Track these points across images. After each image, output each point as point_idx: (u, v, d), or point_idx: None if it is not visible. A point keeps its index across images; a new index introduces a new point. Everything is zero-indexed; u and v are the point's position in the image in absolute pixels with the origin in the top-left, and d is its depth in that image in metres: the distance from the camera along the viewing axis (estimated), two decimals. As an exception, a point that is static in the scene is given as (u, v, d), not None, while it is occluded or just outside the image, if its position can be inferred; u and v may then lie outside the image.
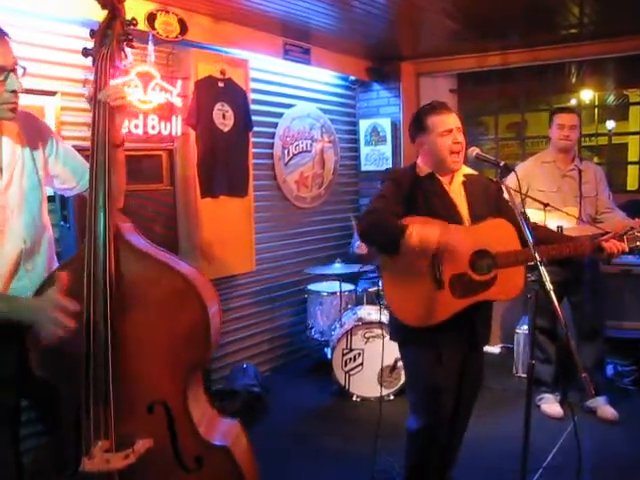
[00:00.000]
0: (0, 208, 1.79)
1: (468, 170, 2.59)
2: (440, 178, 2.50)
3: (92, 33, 1.85)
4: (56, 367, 1.76)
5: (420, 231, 2.18)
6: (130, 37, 1.87)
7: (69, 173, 2.00)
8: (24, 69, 1.77)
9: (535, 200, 2.98)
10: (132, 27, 1.87)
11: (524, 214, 2.20)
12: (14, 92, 1.73)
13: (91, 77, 3.29)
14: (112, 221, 1.72)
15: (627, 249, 2.46)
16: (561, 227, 3.37)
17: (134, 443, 1.72)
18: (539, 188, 3.71)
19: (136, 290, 1.74)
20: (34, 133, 1.92)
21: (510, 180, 2.55)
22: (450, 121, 2.46)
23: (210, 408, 1.99)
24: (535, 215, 3.20)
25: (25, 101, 2.80)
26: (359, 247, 4.60)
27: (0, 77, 1.68)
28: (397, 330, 2.59)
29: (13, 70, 1.73)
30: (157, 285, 1.76)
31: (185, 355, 1.78)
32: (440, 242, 2.18)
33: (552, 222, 3.36)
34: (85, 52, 1.85)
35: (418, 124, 2.53)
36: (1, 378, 1.83)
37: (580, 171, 3.74)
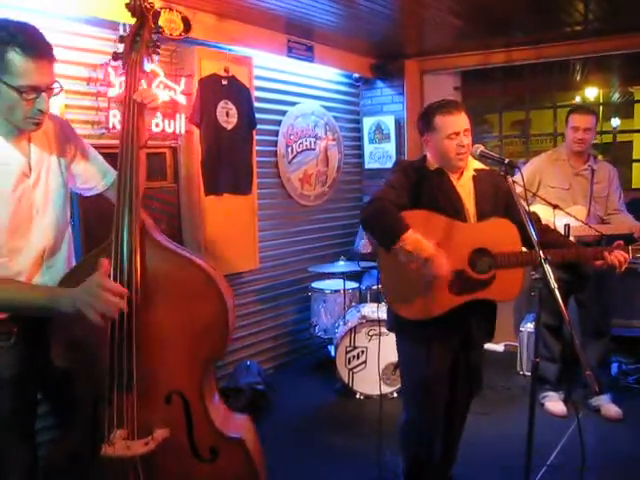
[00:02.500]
0: (27, 206, 1.85)
1: (479, 165, 2.58)
2: (448, 173, 2.50)
3: (121, 38, 1.95)
4: (77, 356, 1.83)
5: (418, 240, 2.23)
6: (158, 43, 1.97)
7: (90, 173, 2.08)
8: (61, 88, 1.84)
9: (544, 200, 2.97)
10: (159, 34, 1.98)
11: (531, 213, 2.19)
12: (40, 111, 1.78)
13: (94, 75, 3.33)
14: (138, 217, 1.79)
15: (629, 258, 2.45)
16: (568, 225, 3.36)
17: (152, 432, 1.78)
18: (550, 185, 3.70)
19: (159, 283, 1.81)
20: (59, 135, 1.99)
21: (517, 178, 2.54)
22: (458, 123, 2.44)
23: (222, 403, 2.04)
24: (543, 211, 3.19)
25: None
26: (364, 245, 4.59)
27: (32, 95, 1.73)
28: (393, 321, 2.61)
29: (47, 90, 1.78)
30: (179, 279, 1.83)
31: (203, 347, 1.84)
32: (430, 258, 2.22)
33: (561, 219, 3.35)
34: (115, 56, 1.96)
35: (426, 121, 2.52)
36: (23, 372, 1.89)
37: (593, 171, 3.71)
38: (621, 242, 2.49)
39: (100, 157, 2.12)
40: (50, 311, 1.72)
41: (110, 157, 2.13)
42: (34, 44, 1.71)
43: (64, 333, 1.81)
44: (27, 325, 1.86)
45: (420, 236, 2.24)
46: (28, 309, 1.76)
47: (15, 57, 1.67)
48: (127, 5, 1.92)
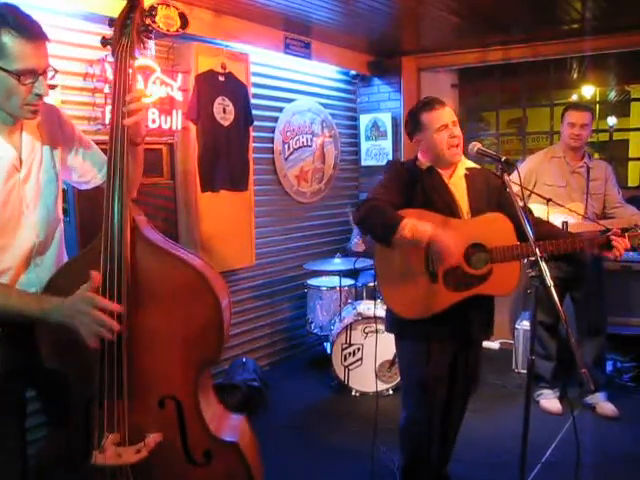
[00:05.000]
0: (17, 201, 1.76)
1: (470, 164, 2.59)
2: (440, 171, 2.50)
3: (111, 22, 1.82)
4: (68, 359, 1.75)
5: (414, 225, 2.23)
6: (150, 28, 1.85)
7: (88, 166, 1.98)
8: (55, 72, 1.74)
9: (538, 195, 2.98)
10: (151, 18, 1.86)
11: (526, 209, 2.19)
12: (39, 96, 1.69)
13: (91, 71, 3.31)
14: (128, 214, 1.71)
15: (629, 246, 2.45)
16: (566, 222, 3.36)
17: (144, 437, 1.71)
18: (547, 182, 3.71)
19: (151, 284, 1.73)
20: (54, 126, 1.89)
21: (514, 176, 2.54)
22: (444, 116, 2.45)
23: (218, 404, 1.99)
24: (539, 210, 3.20)
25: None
26: (357, 244, 4.60)
27: (29, 80, 1.65)
28: (392, 322, 2.61)
29: (44, 73, 1.70)
30: (172, 279, 1.75)
31: (197, 350, 1.77)
32: (431, 238, 2.23)
33: (557, 217, 3.36)
34: (104, 42, 1.84)
35: (413, 122, 2.53)
36: (10, 370, 1.80)
37: (589, 168, 3.72)
38: (617, 230, 2.48)
39: (97, 148, 2.02)
40: (39, 319, 1.68)
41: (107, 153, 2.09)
42: (27, 25, 1.61)
43: (52, 335, 1.73)
44: (13, 324, 1.76)
45: (416, 221, 2.25)
46: (15, 315, 1.69)
47: (10, 40, 1.58)
48: None
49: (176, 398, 1.78)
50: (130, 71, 1.78)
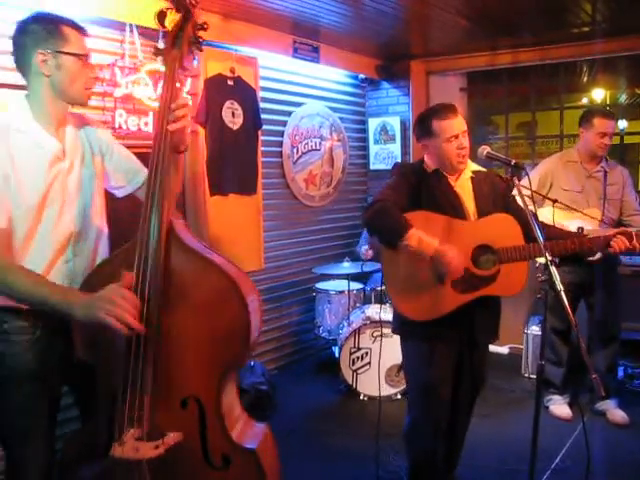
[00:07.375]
0: (60, 189, 1.89)
1: (476, 167, 2.59)
2: (446, 174, 2.51)
3: (164, 34, 1.92)
4: (99, 350, 1.81)
5: (421, 236, 2.26)
6: (201, 40, 1.93)
7: (121, 173, 2.08)
8: None
9: (546, 197, 2.96)
10: (203, 31, 1.92)
11: (534, 213, 2.18)
12: (94, 79, 1.91)
13: (101, 75, 3.33)
14: (166, 217, 1.76)
15: (638, 247, 2.41)
16: (582, 228, 3.34)
17: (164, 435, 1.74)
18: (563, 187, 3.67)
19: (183, 286, 1.78)
20: (91, 130, 2.04)
21: (524, 181, 2.52)
22: (456, 126, 2.45)
23: (241, 410, 2.00)
24: (551, 213, 3.18)
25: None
26: (365, 252, 4.59)
27: (89, 62, 1.88)
28: (399, 324, 2.61)
29: None
30: (203, 282, 1.80)
31: (223, 353, 1.80)
32: (436, 252, 2.25)
33: (574, 223, 3.33)
34: (156, 52, 1.92)
35: (424, 127, 2.53)
36: (48, 368, 1.88)
37: (606, 172, 3.68)
38: (625, 229, 2.46)
39: (133, 156, 2.13)
40: (61, 313, 1.71)
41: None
42: (74, 21, 1.88)
43: (85, 326, 1.78)
44: (50, 316, 1.81)
45: (423, 233, 2.27)
46: (41, 305, 1.75)
47: (69, 31, 1.84)
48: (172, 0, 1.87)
49: (198, 399, 1.80)
50: (177, 82, 1.87)
